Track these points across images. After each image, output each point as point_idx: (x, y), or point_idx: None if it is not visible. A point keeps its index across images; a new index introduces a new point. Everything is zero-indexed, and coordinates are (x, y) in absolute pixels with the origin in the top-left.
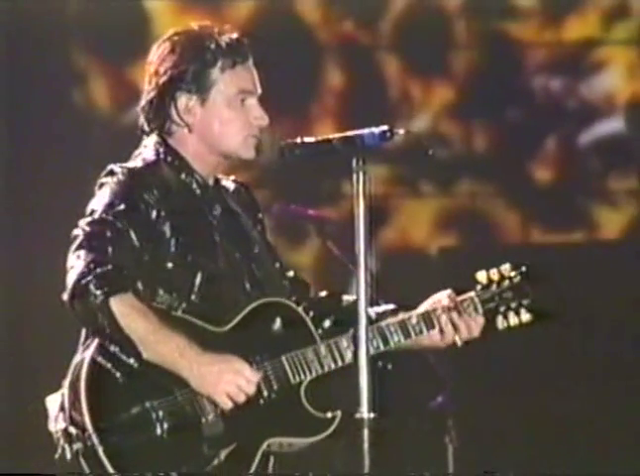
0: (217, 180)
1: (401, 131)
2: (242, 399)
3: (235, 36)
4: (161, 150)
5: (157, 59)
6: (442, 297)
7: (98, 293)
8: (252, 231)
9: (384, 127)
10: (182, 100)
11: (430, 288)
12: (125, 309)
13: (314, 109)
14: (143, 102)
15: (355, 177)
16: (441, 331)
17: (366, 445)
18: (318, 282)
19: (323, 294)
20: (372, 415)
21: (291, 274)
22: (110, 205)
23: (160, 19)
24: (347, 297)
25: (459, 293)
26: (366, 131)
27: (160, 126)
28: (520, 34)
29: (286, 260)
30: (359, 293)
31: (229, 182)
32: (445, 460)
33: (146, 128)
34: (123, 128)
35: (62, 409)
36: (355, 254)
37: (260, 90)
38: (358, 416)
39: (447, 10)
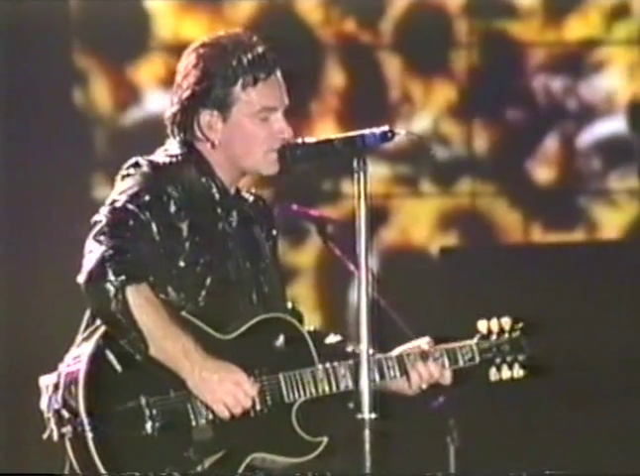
0: (238, 190)
1: (402, 131)
2: (238, 411)
3: (260, 50)
4: (186, 150)
5: (182, 71)
6: (420, 343)
7: (115, 279)
8: (264, 245)
9: (385, 127)
10: (204, 117)
11: (431, 287)
12: (139, 300)
13: (315, 109)
14: (168, 113)
15: (356, 177)
16: (408, 378)
17: (367, 446)
18: (319, 282)
19: (311, 328)
20: (372, 415)
21: (290, 305)
22: (135, 196)
23: (162, 19)
24: (333, 337)
25: (458, 339)
26: (367, 131)
27: (184, 136)
28: (521, 34)
29: (287, 260)
30: (360, 292)
31: (248, 194)
32: (446, 461)
33: (171, 137)
34: (124, 128)
35: (56, 390)
36: (356, 254)
37: (286, 102)
38: (359, 416)
39: (448, 10)
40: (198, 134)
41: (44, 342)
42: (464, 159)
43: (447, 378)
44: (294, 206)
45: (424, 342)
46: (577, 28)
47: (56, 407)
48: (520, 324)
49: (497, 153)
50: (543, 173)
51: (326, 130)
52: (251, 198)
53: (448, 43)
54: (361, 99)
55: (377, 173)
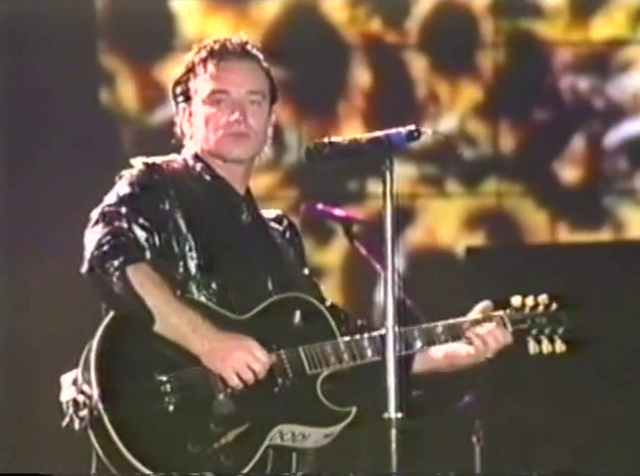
0: (248, 191)
1: (429, 131)
2: (249, 377)
3: (219, 45)
4: (190, 152)
5: None
6: (477, 309)
7: (115, 262)
8: (287, 247)
9: (412, 127)
10: (180, 111)
11: (457, 287)
12: (141, 278)
13: (341, 109)
14: None
15: (382, 177)
16: (470, 343)
17: (393, 445)
18: (345, 282)
19: (359, 322)
20: (399, 414)
21: (329, 303)
22: (126, 189)
23: (187, 18)
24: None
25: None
26: (393, 131)
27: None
28: (547, 33)
29: (313, 260)
30: (386, 292)
31: (269, 213)
32: (472, 460)
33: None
34: (151, 128)
35: (75, 383)
36: (382, 254)
37: (247, 88)
38: (385, 416)
39: (473, 9)
40: (178, 131)
41: (42, 343)
42: (490, 158)
43: (501, 338)
44: (320, 206)
45: (480, 307)
46: (603, 27)
47: (73, 395)
48: (559, 298)
49: (524, 152)
50: (569, 172)
51: (352, 130)
52: (272, 214)
53: (474, 42)
54: (387, 99)
55: (404, 172)
